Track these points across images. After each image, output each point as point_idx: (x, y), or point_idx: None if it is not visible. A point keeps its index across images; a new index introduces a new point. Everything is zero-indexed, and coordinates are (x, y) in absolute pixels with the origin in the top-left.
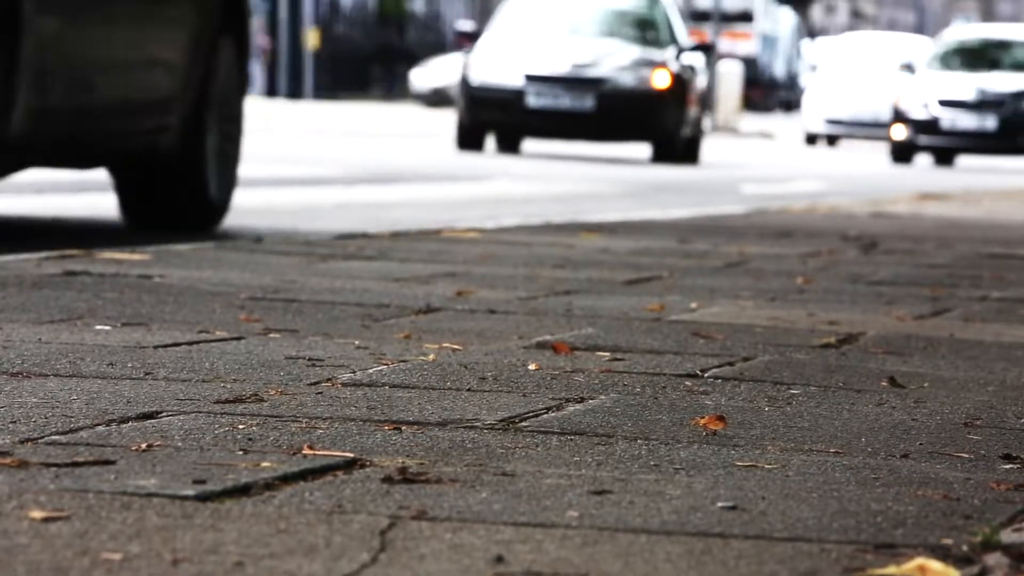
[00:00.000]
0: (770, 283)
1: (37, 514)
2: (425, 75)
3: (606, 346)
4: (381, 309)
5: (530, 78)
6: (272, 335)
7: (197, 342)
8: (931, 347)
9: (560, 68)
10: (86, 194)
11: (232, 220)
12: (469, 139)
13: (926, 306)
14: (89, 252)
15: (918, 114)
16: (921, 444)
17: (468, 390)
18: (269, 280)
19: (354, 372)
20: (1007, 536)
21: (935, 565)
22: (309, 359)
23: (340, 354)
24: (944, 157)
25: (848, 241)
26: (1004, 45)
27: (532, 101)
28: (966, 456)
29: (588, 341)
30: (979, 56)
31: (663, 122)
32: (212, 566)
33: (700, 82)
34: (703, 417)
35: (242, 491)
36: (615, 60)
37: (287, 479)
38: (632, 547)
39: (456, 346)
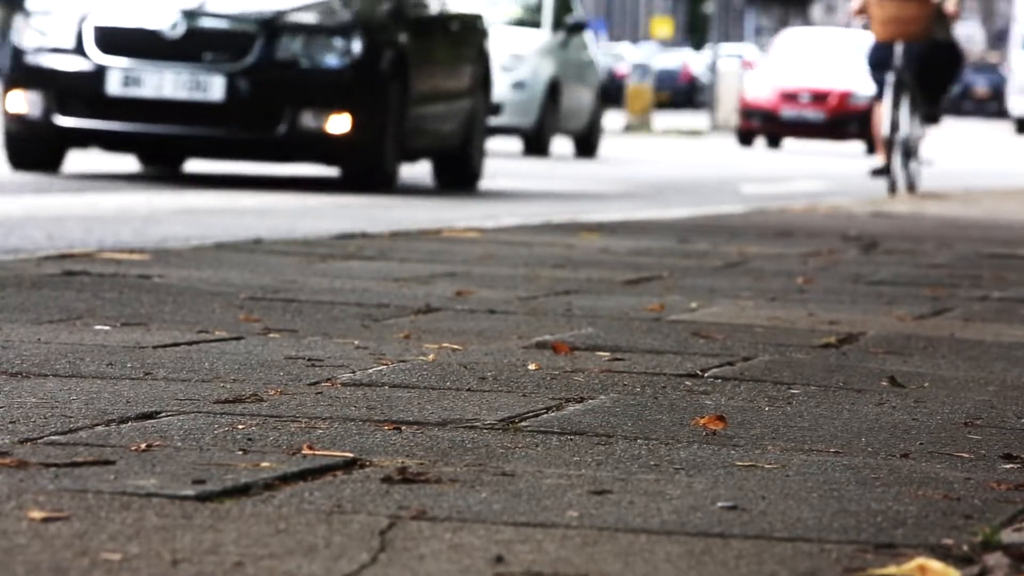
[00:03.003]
0: (770, 283)
1: (37, 514)
2: None
3: (606, 346)
4: (381, 309)
5: None
6: (272, 335)
7: (197, 342)
8: (931, 347)
9: None
10: (87, 194)
11: (235, 220)
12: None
13: (926, 306)
14: (89, 252)
15: (50, 61)
16: (921, 444)
17: (468, 390)
18: (269, 280)
19: (354, 372)
20: (1007, 536)
21: (935, 565)
22: (309, 359)
23: (340, 354)
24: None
25: (848, 241)
26: None
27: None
28: (966, 456)
29: (588, 341)
30: None
31: None
32: (212, 566)
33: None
34: (703, 417)
35: (242, 491)
36: None
37: (287, 479)
38: (632, 547)
39: (456, 346)
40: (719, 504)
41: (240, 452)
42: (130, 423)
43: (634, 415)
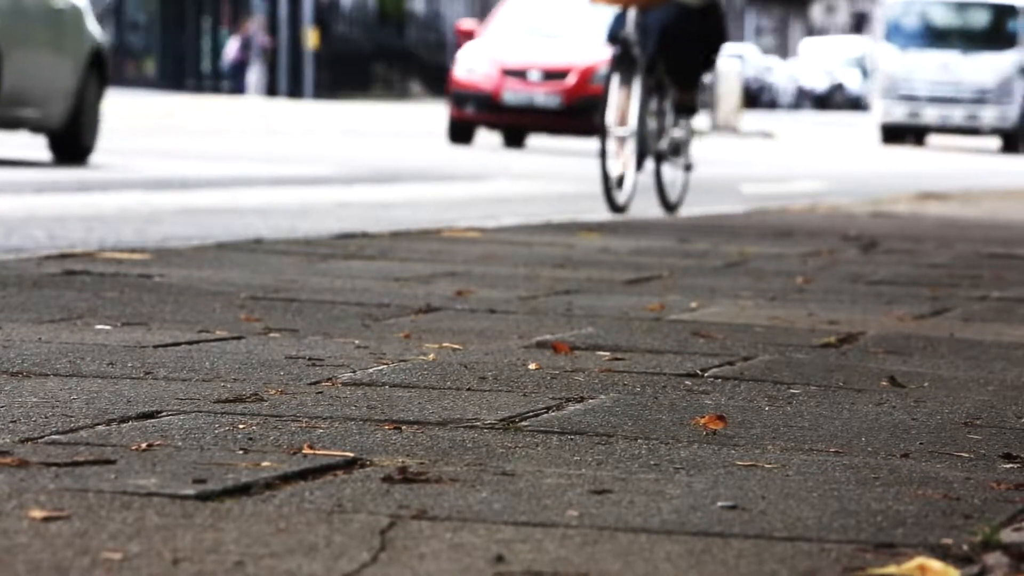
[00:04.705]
0: (770, 283)
1: (37, 514)
2: None
3: (606, 346)
4: (381, 309)
5: None
6: (272, 335)
7: (197, 342)
8: (931, 347)
9: None
10: (87, 194)
11: (236, 219)
12: None
13: (926, 306)
14: (90, 251)
15: None
16: (921, 444)
17: (468, 390)
18: (269, 280)
19: (354, 372)
20: (1007, 536)
21: (935, 565)
22: (309, 359)
23: (340, 354)
24: None
25: (848, 241)
26: None
27: None
28: (966, 456)
29: (588, 341)
30: None
31: None
32: (212, 565)
33: None
34: (703, 417)
35: (242, 491)
36: None
37: (287, 479)
38: (632, 547)
39: (456, 346)
40: (719, 504)
41: (241, 451)
42: (131, 422)
43: (634, 415)
